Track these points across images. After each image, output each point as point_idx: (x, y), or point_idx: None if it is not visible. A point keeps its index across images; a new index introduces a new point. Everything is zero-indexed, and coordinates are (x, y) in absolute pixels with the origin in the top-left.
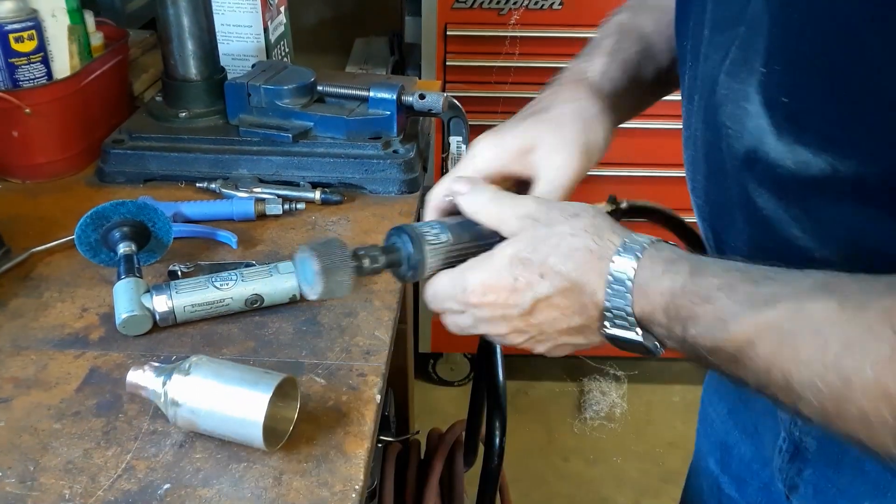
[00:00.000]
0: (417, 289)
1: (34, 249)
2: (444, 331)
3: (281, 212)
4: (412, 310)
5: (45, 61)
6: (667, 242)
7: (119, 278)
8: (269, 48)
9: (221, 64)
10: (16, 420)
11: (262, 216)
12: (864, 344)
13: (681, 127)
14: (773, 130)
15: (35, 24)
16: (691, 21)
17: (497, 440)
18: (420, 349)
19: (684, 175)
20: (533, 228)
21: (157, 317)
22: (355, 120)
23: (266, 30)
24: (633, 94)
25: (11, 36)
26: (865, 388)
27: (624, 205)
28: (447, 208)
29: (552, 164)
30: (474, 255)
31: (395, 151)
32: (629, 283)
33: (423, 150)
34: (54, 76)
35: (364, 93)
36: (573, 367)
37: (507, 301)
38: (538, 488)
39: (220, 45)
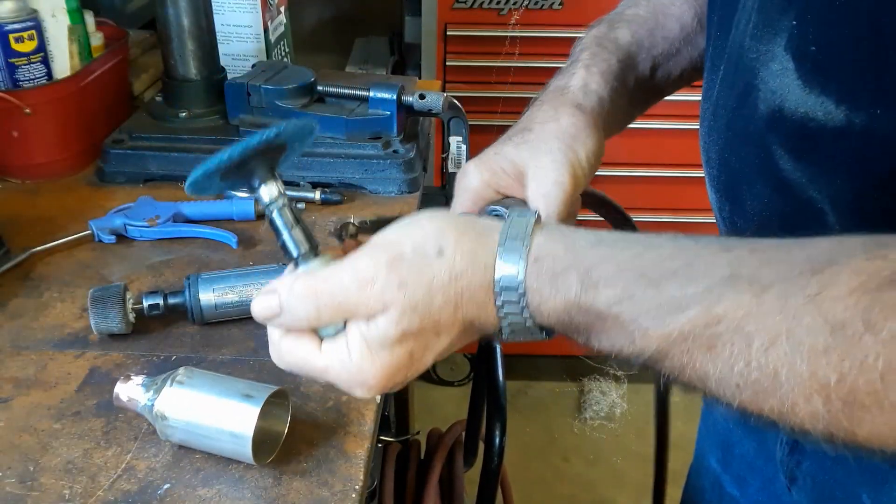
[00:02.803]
0: None
1: (34, 249)
2: None
3: None
4: None
5: (45, 61)
6: (537, 228)
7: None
8: (269, 48)
9: (221, 64)
10: (16, 420)
11: (262, 216)
12: (793, 336)
13: (680, 126)
14: (801, 84)
15: (35, 24)
16: None
17: (497, 440)
18: None
19: (685, 175)
20: (406, 296)
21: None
22: (355, 120)
23: (266, 30)
24: (616, 103)
25: (11, 36)
26: (797, 382)
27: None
28: None
29: (542, 187)
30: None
31: (395, 151)
32: (524, 305)
33: (423, 150)
34: (54, 76)
35: (364, 93)
36: (573, 367)
37: (408, 374)
38: (538, 488)
39: (220, 45)
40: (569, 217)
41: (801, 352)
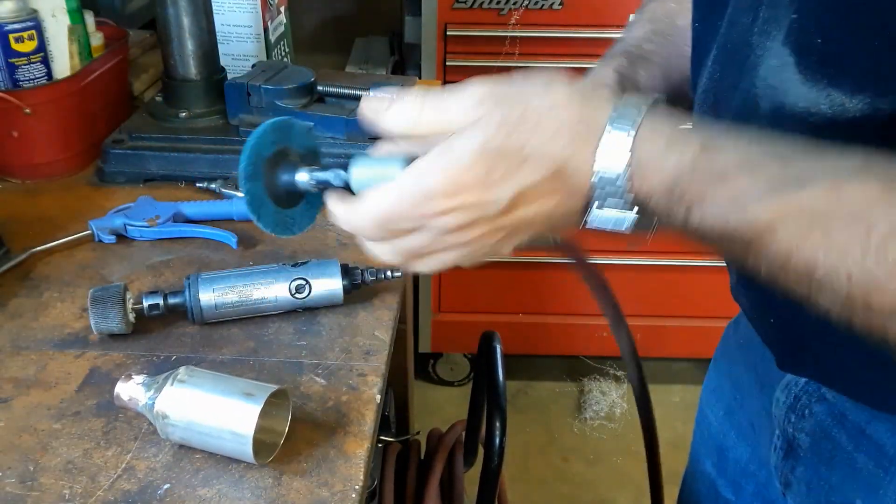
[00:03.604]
0: (418, 289)
1: (34, 249)
2: (444, 331)
3: None
4: (412, 310)
5: (45, 61)
6: (664, 103)
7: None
8: (269, 48)
9: (221, 64)
10: (16, 420)
11: None
12: None
13: None
14: (802, 78)
15: (35, 24)
16: None
17: (497, 440)
18: (420, 349)
19: None
20: (499, 111)
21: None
22: (355, 120)
23: (266, 30)
24: None
25: (11, 36)
26: None
27: None
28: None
29: None
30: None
31: None
32: (626, 160)
33: None
34: (54, 76)
35: (364, 93)
36: (573, 367)
37: (482, 199)
38: (538, 488)
39: (220, 45)
40: None
41: None
